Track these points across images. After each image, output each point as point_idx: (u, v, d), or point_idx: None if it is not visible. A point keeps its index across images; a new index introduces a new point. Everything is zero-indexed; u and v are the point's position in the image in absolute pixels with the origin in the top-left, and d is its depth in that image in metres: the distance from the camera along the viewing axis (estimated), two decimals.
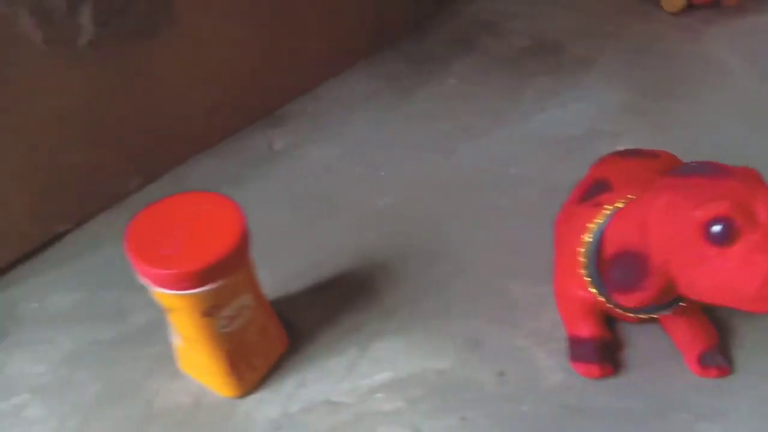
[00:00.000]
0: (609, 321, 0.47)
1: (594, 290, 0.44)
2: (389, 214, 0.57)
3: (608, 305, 0.44)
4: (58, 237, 0.55)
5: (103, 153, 0.55)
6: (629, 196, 0.43)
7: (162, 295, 0.37)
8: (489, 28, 0.81)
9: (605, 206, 0.43)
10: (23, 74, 0.47)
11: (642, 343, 0.47)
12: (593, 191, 0.47)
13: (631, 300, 0.39)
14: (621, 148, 0.62)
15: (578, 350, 0.45)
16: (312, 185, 0.61)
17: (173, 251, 0.36)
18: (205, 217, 0.38)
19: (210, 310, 0.37)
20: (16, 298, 0.50)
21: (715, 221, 0.34)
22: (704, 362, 0.44)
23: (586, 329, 0.45)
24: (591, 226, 0.43)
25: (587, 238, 0.43)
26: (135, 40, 0.52)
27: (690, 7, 0.82)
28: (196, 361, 0.42)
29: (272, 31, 0.64)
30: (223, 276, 0.36)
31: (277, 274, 0.50)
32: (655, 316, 0.44)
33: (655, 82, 0.72)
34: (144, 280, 0.37)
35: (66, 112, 0.51)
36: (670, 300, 0.41)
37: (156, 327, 0.47)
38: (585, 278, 0.44)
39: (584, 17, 0.83)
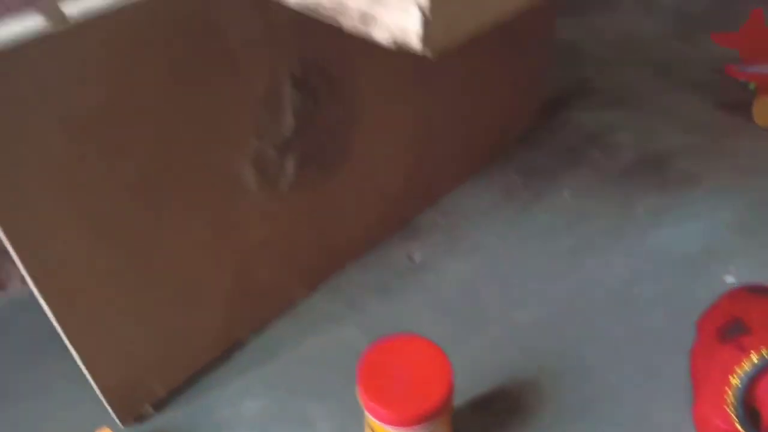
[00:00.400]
0: None
1: (740, 428, 0.49)
2: (528, 331, 0.64)
3: None
4: (239, 344, 0.63)
5: (283, 269, 0.63)
6: None
7: (384, 430, 0.44)
8: (595, 139, 0.88)
9: (752, 353, 0.49)
10: (235, 210, 0.55)
11: None
12: (732, 331, 0.53)
13: None
14: (733, 268, 0.69)
15: None
16: (452, 299, 0.68)
17: (399, 394, 0.43)
18: (419, 361, 0.45)
19: None
20: (213, 403, 0.58)
21: None
22: None
23: None
24: (739, 371, 0.49)
25: (736, 382, 0.49)
26: (320, 176, 0.60)
27: None
28: None
29: (416, 151, 0.72)
30: (439, 416, 0.43)
31: None
32: None
33: (760, 200, 0.77)
34: (370, 416, 0.44)
35: (263, 238, 0.59)
36: None
37: None
38: (732, 416, 0.49)
39: (683, 130, 0.89)
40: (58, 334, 0.48)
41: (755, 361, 0.49)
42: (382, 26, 0.33)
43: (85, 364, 0.51)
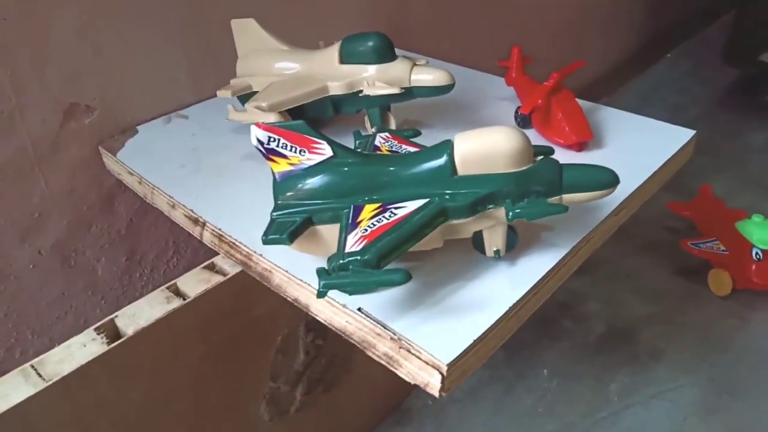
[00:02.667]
0: None
1: None
2: None
3: None
4: None
5: None
6: None
7: None
8: (567, 310, 0.96)
9: None
10: None
11: None
12: None
13: None
14: None
15: None
16: None
17: None
18: None
19: None
20: None
21: None
22: None
23: None
24: None
25: None
26: (323, 394, 0.65)
27: (734, 290, 0.97)
28: None
29: None
30: None
31: None
32: None
33: (718, 375, 0.85)
34: None
35: None
36: None
37: None
38: None
39: (646, 299, 0.97)
40: None
41: None
42: (405, 369, 0.39)
43: None
